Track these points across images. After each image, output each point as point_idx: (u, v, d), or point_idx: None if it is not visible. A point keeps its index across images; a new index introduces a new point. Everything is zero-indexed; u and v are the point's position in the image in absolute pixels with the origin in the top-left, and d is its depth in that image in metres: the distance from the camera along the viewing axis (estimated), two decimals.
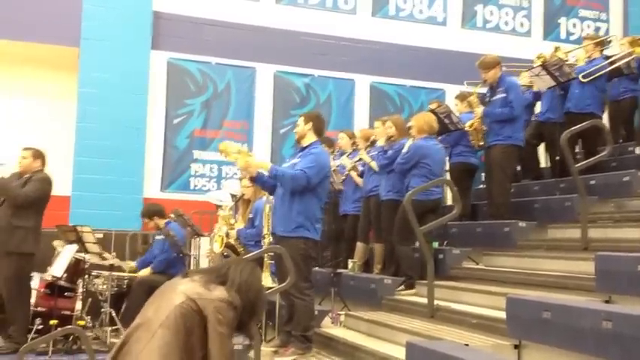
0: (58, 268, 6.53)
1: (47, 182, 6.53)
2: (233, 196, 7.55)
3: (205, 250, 7.67)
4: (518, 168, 7.69)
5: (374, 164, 6.94)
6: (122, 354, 2.74)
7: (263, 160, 5.26)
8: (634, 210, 5.81)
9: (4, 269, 6.26)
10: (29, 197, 6.30)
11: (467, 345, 4.14)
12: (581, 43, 7.58)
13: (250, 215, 6.61)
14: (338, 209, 7.75)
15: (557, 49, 7.57)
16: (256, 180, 5.37)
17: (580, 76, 6.88)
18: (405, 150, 6.46)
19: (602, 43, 7.35)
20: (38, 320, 6.29)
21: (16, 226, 6.28)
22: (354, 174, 7.51)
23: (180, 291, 2.81)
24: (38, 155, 6.63)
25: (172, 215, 7.63)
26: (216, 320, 2.76)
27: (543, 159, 8.27)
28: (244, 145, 5.25)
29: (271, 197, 5.86)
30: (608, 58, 7.15)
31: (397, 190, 6.56)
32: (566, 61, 6.99)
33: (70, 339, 6.34)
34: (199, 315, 2.76)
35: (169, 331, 2.69)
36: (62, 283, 6.59)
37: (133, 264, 7.60)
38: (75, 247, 6.79)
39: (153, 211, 7.59)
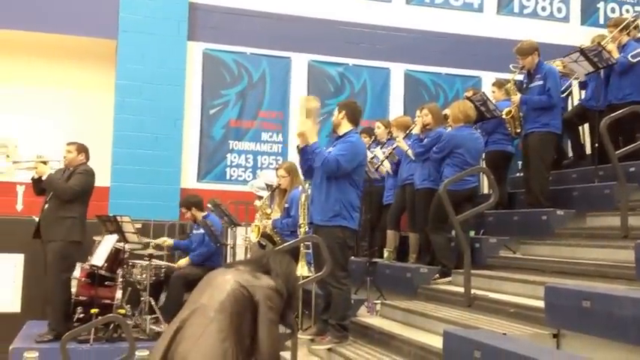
0: (98, 258, 6.68)
1: (90, 174, 6.73)
2: (269, 185, 7.62)
3: (242, 240, 7.77)
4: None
5: (410, 152, 6.91)
6: (179, 338, 2.82)
7: (314, 134, 5.20)
8: None
9: (50, 257, 6.43)
10: (75, 191, 6.52)
11: (505, 334, 4.12)
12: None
13: (286, 205, 6.65)
14: (374, 199, 7.75)
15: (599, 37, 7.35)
16: (302, 152, 5.32)
17: (629, 57, 6.67)
18: (441, 139, 6.43)
19: (626, 28, 7.11)
20: (79, 309, 6.43)
21: (63, 217, 6.50)
22: (387, 164, 7.49)
23: (230, 278, 2.89)
24: (82, 149, 6.84)
25: (209, 205, 7.72)
26: (266, 306, 2.86)
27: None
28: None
29: (307, 186, 5.90)
30: None
31: (432, 179, 6.54)
32: (605, 47, 6.80)
33: (111, 327, 6.48)
34: (250, 301, 2.85)
35: (225, 316, 2.80)
36: (102, 272, 6.73)
37: (170, 241, 7.71)
38: (115, 236, 6.93)
39: (191, 202, 7.70)
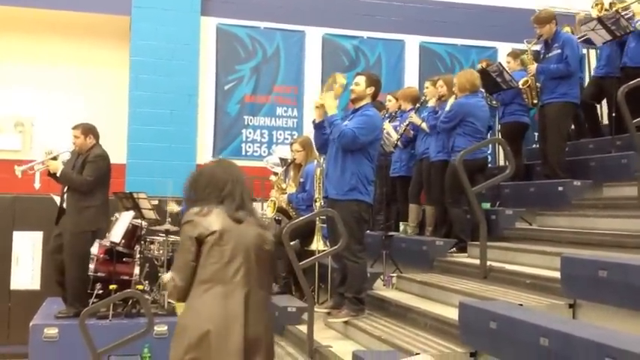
0: (116, 235, 6.73)
1: (103, 158, 6.59)
2: (283, 160, 7.62)
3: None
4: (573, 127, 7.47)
5: (424, 125, 6.87)
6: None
7: (334, 107, 5.18)
8: None
9: (69, 242, 6.47)
10: (90, 182, 6.44)
11: (521, 305, 4.12)
12: None
13: (301, 179, 6.65)
14: (387, 172, 7.72)
15: (598, 3, 7.22)
16: (317, 126, 5.30)
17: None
18: (447, 109, 6.37)
19: None
20: (98, 285, 6.49)
21: (85, 207, 6.47)
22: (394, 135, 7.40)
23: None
24: (88, 131, 6.65)
25: None
26: None
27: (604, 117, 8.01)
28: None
29: (322, 161, 5.89)
30: None
31: (447, 151, 6.49)
32: (625, 13, 6.67)
33: (130, 303, 6.55)
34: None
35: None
36: (120, 248, 6.78)
37: (176, 207, 7.70)
38: (132, 213, 6.97)
39: None
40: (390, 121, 7.51)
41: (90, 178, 6.45)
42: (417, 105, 7.19)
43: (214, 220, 3.19)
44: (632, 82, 5.19)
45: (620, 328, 3.53)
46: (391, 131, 7.35)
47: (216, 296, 3.13)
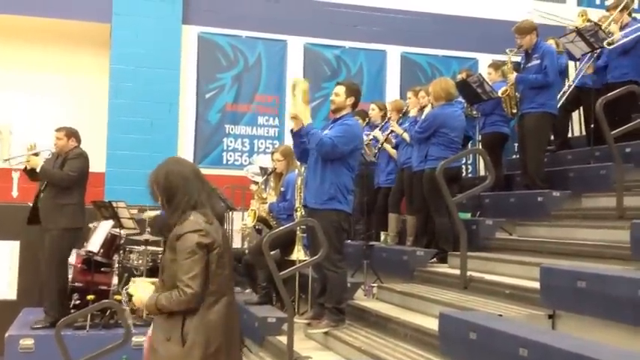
0: (94, 244, 6.66)
1: (84, 157, 6.65)
2: (264, 169, 7.59)
3: (238, 224, 7.75)
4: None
5: (406, 135, 6.89)
6: None
7: (308, 115, 5.17)
8: None
9: (49, 244, 6.41)
10: (72, 176, 6.45)
11: (500, 315, 4.12)
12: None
13: (282, 189, 6.63)
14: (370, 182, 7.73)
15: (583, 14, 7.32)
16: (295, 135, 5.28)
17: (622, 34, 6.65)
18: (422, 118, 6.39)
19: (626, 8, 7.06)
20: (75, 295, 6.41)
21: (63, 204, 6.44)
22: (387, 146, 7.46)
23: None
24: (71, 134, 6.72)
25: None
26: None
27: (577, 127, 8.12)
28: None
29: (303, 170, 5.87)
30: None
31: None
32: (602, 26, 6.76)
33: (107, 313, 6.47)
34: None
35: None
36: (99, 258, 6.71)
37: (152, 214, 7.61)
38: (111, 222, 6.90)
39: None
40: (379, 129, 7.54)
41: (73, 173, 6.46)
42: (400, 115, 7.22)
43: (216, 228, 3.19)
44: (610, 94, 5.26)
45: (598, 338, 3.54)
46: (380, 137, 7.39)
47: (224, 307, 3.12)
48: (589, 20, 6.93)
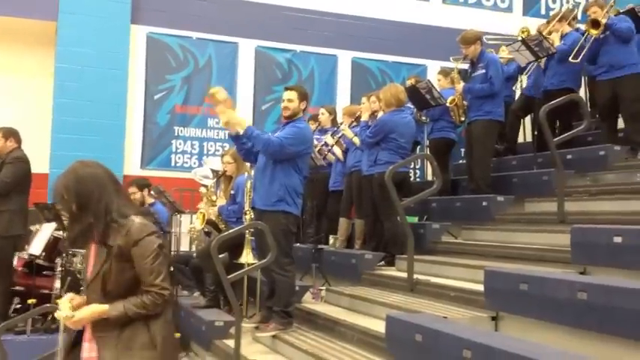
0: (36, 247, 6.48)
1: (23, 161, 6.38)
2: (214, 172, 7.53)
3: (186, 227, 7.66)
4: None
5: (356, 140, 6.94)
6: None
7: (243, 118, 5.16)
8: (609, 183, 5.89)
9: None
10: (6, 183, 6.20)
11: (445, 317, 4.18)
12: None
13: (232, 191, 6.59)
14: (320, 185, 7.75)
15: (525, 30, 7.56)
16: (235, 139, 5.25)
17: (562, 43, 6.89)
18: (372, 124, 6.47)
19: (565, 18, 7.31)
20: (16, 299, 6.23)
21: (0, 211, 6.21)
22: (337, 150, 7.49)
23: None
24: (9, 134, 6.45)
25: (152, 192, 7.58)
26: None
27: (521, 135, 8.34)
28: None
29: (253, 172, 5.84)
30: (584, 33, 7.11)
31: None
32: (547, 37, 6.96)
33: (49, 318, 6.31)
34: None
35: None
36: (40, 261, 6.53)
37: None
38: (53, 225, 6.73)
39: (144, 184, 7.53)
40: (331, 134, 7.57)
41: (7, 179, 6.19)
42: (353, 120, 7.27)
43: None
44: (553, 102, 5.40)
45: (539, 340, 3.63)
46: (330, 141, 7.42)
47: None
48: (529, 34, 7.12)
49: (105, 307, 2.90)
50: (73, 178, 2.95)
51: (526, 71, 7.77)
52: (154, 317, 2.97)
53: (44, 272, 6.59)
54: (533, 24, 8.69)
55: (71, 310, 2.94)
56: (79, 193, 2.91)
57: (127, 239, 2.91)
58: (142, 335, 2.93)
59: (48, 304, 5.84)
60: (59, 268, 6.72)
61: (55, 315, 2.99)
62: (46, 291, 6.48)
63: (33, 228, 6.99)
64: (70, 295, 3.06)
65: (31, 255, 6.46)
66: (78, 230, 2.94)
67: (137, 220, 2.97)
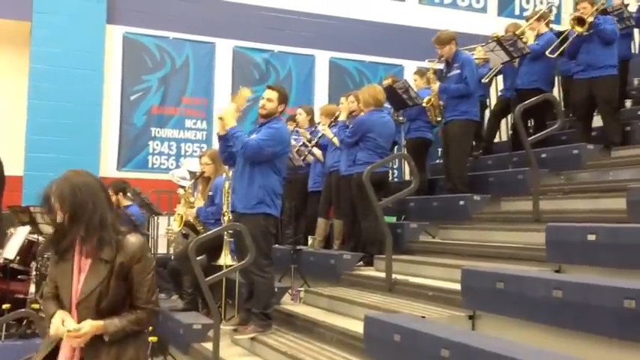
0: (10, 251, 6.38)
1: None
2: (192, 173, 7.49)
3: (164, 229, 7.61)
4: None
5: (336, 140, 6.94)
6: None
7: (233, 120, 5.17)
8: (583, 182, 5.97)
9: None
10: None
11: (423, 317, 4.20)
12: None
13: (210, 193, 6.55)
14: (299, 186, 7.74)
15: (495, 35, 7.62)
16: (222, 138, 5.26)
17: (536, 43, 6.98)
18: (351, 124, 6.50)
19: (543, 17, 7.39)
20: None
21: None
22: (317, 151, 7.48)
23: None
24: None
25: (129, 194, 7.52)
26: None
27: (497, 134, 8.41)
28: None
29: (231, 174, 5.83)
30: (560, 34, 7.19)
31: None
32: (521, 37, 7.03)
33: (24, 323, 6.21)
34: None
35: None
36: (15, 265, 6.42)
37: None
38: (28, 228, 6.63)
39: (120, 187, 7.45)
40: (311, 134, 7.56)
41: None
42: (331, 120, 7.27)
43: None
44: (527, 102, 5.45)
45: (516, 338, 3.67)
46: (308, 143, 7.42)
47: None
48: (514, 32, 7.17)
49: (101, 322, 2.84)
50: (68, 187, 2.85)
51: (494, 72, 7.77)
52: (140, 333, 2.98)
53: (19, 276, 6.48)
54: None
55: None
56: (74, 203, 2.82)
57: (129, 256, 2.87)
58: (130, 351, 2.91)
59: (23, 309, 5.78)
60: (34, 272, 6.62)
61: (54, 330, 2.85)
62: (21, 296, 6.36)
63: (7, 231, 6.88)
64: (62, 312, 2.94)
65: (5, 259, 6.35)
66: (68, 241, 2.86)
67: (131, 237, 2.93)
